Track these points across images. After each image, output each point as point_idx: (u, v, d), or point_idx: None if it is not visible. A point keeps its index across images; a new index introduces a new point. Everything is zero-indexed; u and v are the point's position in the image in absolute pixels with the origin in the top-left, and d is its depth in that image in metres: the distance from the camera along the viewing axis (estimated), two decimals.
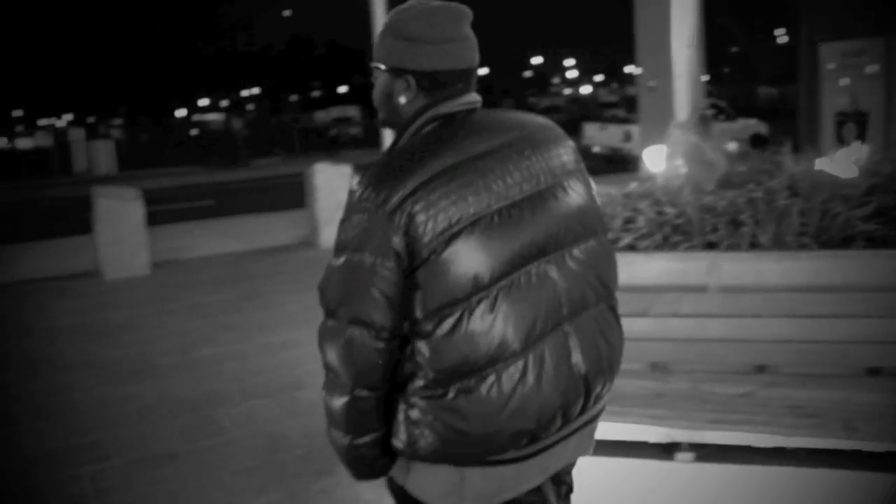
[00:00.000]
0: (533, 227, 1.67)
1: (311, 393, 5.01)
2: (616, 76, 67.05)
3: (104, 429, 4.62)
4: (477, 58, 1.80)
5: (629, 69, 58.30)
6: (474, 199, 1.61)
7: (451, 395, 1.62)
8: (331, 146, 35.61)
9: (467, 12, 1.78)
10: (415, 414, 1.66)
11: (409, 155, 1.67)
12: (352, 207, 1.65)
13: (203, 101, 60.81)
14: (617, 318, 1.86)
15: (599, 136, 21.32)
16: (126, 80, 48.56)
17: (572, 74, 76.89)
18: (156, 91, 50.69)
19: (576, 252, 1.74)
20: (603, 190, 4.38)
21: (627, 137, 19.58)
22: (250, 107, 60.43)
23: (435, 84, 1.74)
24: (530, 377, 1.64)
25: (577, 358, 1.71)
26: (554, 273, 1.70)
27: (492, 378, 1.62)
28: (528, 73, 77.28)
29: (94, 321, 7.08)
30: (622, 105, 25.55)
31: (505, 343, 1.61)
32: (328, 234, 10.19)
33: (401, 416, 1.68)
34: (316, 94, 64.86)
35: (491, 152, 1.67)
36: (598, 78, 73.86)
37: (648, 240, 4.02)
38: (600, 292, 1.79)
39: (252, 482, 3.86)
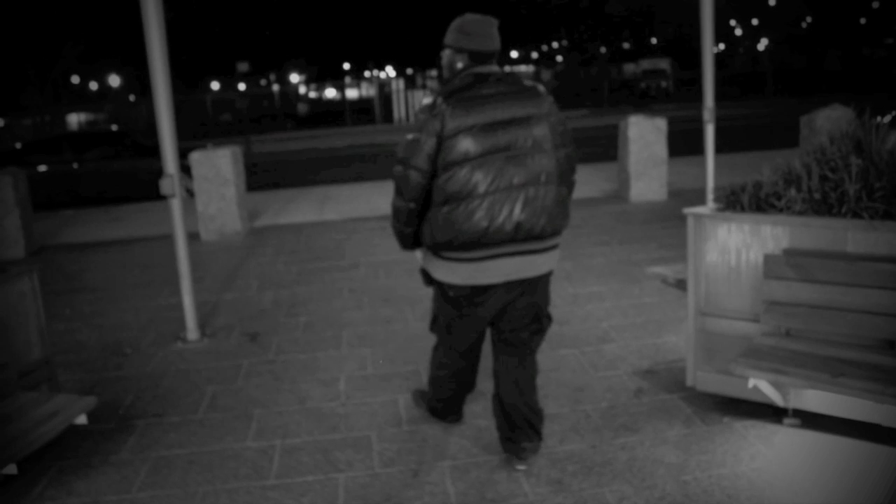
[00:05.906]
0: (504, 135, 3.14)
1: (618, 348, 4.94)
2: None
3: (418, 361, 4.90)
4: (499, 46, 3.30)
5: None
6: (475, 116, 3.12)
7: (445, 210, 3.16)
8: (640, 99, 34.80)
9: (495, 21, 3.31)
10: (431, 220, 3.22)
11: (452, 88, 3.19)
12: (421, 110, 3.21)
13: (513, 54, 62.00)
14: (563, 198, 3.29)
15: None
16: (440, 35, 50.83)
17: None
18: None
19: (530, 157, 3.17)
20: None
21: None
22: (559, 59, 60.65)
23: (476, 58, 3.28)
24: (484, 208, 3.11)
25: (517, 208, 3.14)
26: (512, 162, 3.14)
27: (465, 204, 3.11)
28: (863, 21, 69.64)
29: (411, 260, 7.48)
30: None
31: (475, 188, 3.11)
32: (640, 189, 9.98)
33: (426, 223, 3.27)
34: (626, 45, 63.44)
35: (491, 95, 3.18)
36: None
37: None
38: (544, 180, 3.18)
39: (555, 429, 3.89)
